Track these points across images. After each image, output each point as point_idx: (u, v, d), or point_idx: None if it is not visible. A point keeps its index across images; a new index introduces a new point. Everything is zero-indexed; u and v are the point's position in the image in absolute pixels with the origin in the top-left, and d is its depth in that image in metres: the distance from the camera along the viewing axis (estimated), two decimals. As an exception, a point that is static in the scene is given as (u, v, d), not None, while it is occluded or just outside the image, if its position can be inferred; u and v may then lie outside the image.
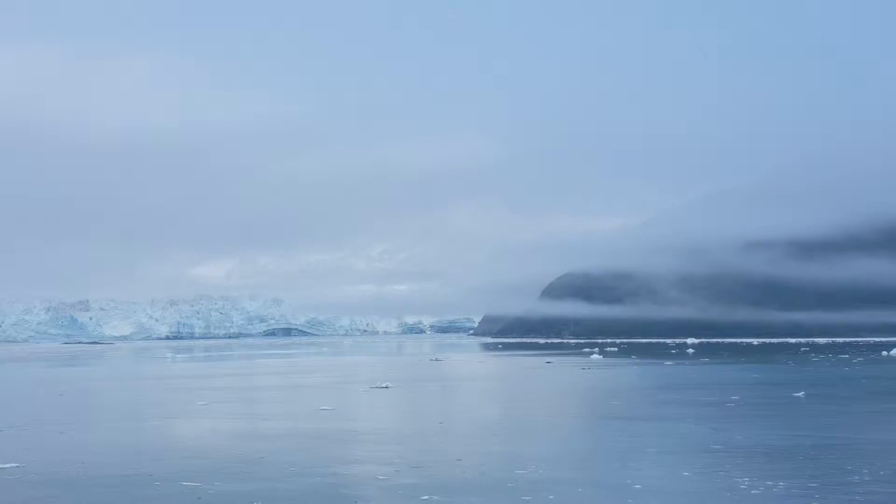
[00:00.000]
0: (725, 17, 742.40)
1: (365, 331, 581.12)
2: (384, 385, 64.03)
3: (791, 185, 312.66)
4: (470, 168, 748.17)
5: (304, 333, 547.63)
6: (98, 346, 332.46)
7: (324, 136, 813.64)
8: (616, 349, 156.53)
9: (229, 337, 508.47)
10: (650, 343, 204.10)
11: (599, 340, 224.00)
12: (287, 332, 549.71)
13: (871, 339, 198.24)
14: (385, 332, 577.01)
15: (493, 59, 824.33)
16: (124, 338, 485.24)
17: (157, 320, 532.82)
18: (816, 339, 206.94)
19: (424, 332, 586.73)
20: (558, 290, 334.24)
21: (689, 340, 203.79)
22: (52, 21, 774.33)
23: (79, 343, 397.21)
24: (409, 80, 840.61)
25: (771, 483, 23.59)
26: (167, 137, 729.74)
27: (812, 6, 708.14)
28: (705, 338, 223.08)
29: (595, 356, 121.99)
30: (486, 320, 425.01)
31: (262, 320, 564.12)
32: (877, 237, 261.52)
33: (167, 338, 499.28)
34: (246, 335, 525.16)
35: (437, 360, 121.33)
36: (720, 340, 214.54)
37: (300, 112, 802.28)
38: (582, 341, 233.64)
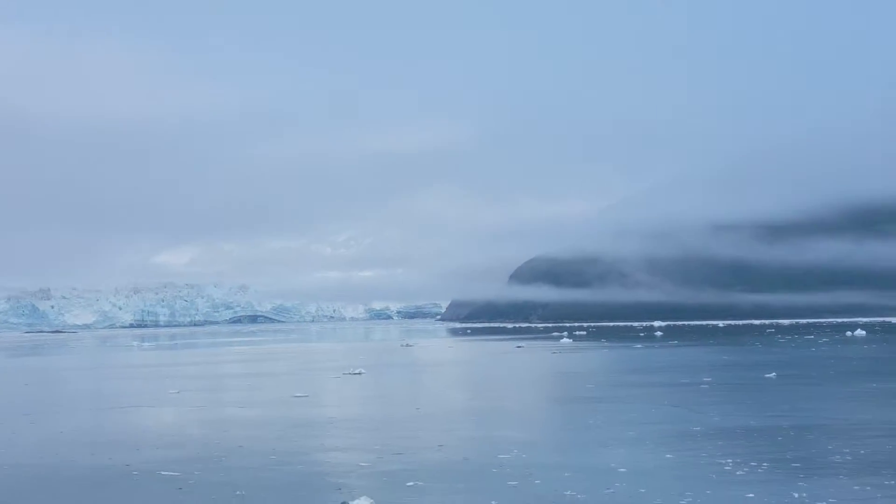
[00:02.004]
0: (696, 5, 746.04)
1: (332, 317, 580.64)
2: (357, 371, 63.72)
3: (757, 169, 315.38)
4: (437, 153, 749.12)
5: (271, 320, 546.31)
6: (61, 335, 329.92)
7: (290, 122, 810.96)
8: (585, 333, 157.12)
9: (194, 324, 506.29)
10: (618, 326, 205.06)
11: (567, 324, 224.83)
12: (253, 319, 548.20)
13: (835, 320, 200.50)
14: (352, 319, 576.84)
15: (461, 43, 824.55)
16: (87, 326, 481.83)
17: (120, 308, 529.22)
18: (781, 321, 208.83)
19: (392, 317, 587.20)
20: (526, 274, 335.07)
21: (657, 323, 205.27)
22: (13, 4, 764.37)
23: (41, 332, 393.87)
24: (377, 66, 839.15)
25: (755, 464, 23.60)
26: (130, 124, 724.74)
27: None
28: (672, 320, 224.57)
29: (565, 340, 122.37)
30: (454, 305, 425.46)
31: (227, 307, 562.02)
32: (840, 220, 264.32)
33: (131, 326, 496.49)
34: (211, 322, 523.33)
35: (407, 345, 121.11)
36: (687, 323, 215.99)
37: (267, 98, 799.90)
38: (550, 325, 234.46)
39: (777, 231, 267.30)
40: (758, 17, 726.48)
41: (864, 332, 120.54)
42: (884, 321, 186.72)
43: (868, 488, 20.42)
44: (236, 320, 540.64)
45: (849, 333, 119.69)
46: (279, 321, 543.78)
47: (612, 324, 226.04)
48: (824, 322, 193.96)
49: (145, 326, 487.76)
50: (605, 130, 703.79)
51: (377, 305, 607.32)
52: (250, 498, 21.41)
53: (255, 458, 27.14)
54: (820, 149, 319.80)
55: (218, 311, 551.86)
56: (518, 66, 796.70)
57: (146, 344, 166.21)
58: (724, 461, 24.21)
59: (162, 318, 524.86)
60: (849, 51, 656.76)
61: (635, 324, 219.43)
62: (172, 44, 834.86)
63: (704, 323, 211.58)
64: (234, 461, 26.78)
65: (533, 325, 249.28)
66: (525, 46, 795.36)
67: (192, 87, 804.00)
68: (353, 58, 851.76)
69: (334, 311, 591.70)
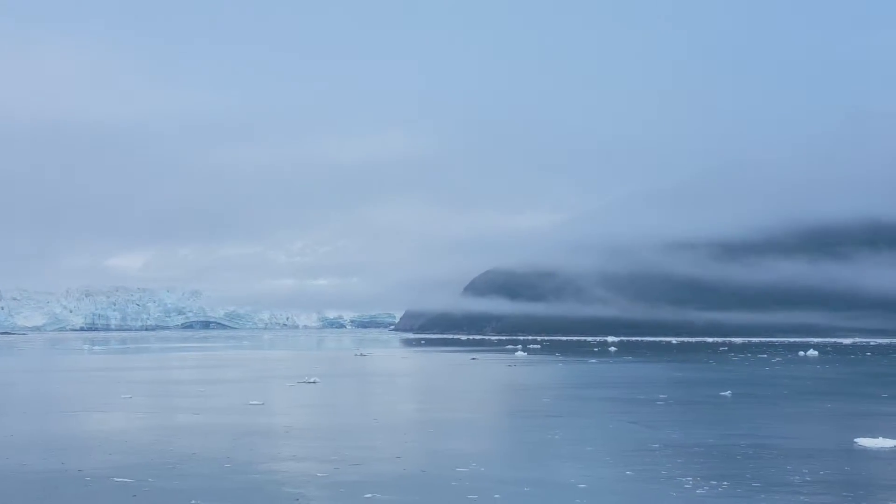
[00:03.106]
0: (655, 21, 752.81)
1: (285, 325, 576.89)
2: (312, 380, 63.18)
3: (713, 188, 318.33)
4: (396, 163, 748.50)
5: (223, 326, 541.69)
6: (10, 337, 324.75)
7: (249, 130, 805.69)
8: (539, 346, 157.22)
9: (146, 329, 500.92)
10: (572, 341, 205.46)
11: (521, 337, 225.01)
12: (205, 324, 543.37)
13: (787, 340, 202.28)
14: (305, 327, 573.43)
15: (422, 55, 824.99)
16: (37, 329, 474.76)
17: (71, 311, 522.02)
18: (734, 339, 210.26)
19: (345, 326, 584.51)
20: (481, 286, 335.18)
21: (611, 338, 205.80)
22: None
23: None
24: (337, 75, 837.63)
25: (715, 483, 23.55)
26: (86, 125, 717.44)
27: (737, 14, 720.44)
28: (627, 336, 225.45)
29: (520, 353, 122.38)
30: (408, 316, 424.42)
31: (179, 312, 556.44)
32: (794, 240, 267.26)
33: (82, 329, 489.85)
34: (163, 327, 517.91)
35: (361, 355, 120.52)
36: (641, 339, 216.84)
37: (228, 105, 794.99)
38: (504, 338, 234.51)
39: (733, 250, 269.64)
40: (716, 37, 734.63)
41: (816, 353, 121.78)
42: (835, 342, 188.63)
43: (828, 509, 20.42)
44: (188, 326, 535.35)
45: (801, 353, 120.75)
46: (232, 328, 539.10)
47: (566, 338, 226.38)
48: (777, 341, 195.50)
49: (96, 330, 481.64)
50: (565, 145, 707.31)
51: (331, 314, 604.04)
52: (206, 507, 20.99)
53: (209, 466, 26.69)
54: (776, 169, 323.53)
55: (170, 316, 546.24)
56: (479, 80, 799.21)
57: (97, 347, 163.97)
58: (683, 479, 24.14)
59: (113, 322, 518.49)
60: (808, 73, 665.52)
61: (590, 338, 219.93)
62: (132, 45, 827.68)
63: (658, 339, 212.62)
64: (188, 468, 26.31)
65: (487, 338, 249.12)
66: (486, 60, 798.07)
67: (153, 91, 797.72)
68: (315, 67, 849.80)
69: (287, 318, 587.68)
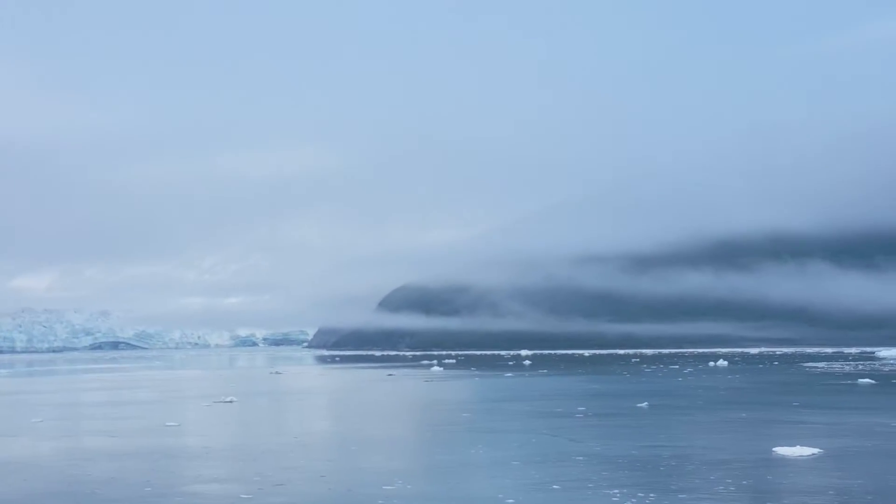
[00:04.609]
0: (559, 33, 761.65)
1: (196, 344, 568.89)
2: (228, 399, 62.24)
3: (622, 201, 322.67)
4: (305, 178, 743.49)
5: (133, 347, 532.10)
6: None
7: (156, 146, 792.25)
8: (454, 361, 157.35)
9: (53, 351, 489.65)
10: (486, 355, 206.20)
11: (436, 353, 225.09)
12: (115, 345, 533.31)
13: (696, 350, 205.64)
14: (217, 345, 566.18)
15: (333, 71, 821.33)
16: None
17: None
18: (645, 350, 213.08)
19: (257, 344, 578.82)
20: (395, 302, 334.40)
21: (524, 352, 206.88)
22: None
23: None
24: (247, 90, 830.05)
25: (642, 495, 23.69)
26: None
27: (646, 27, 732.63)
28: (540, 349, 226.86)
29: (435, 368, 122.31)
30: (321, 333, 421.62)
31: (88, 333, 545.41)
32: (702, 253, 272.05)
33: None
34: (71, 349, 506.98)
35: (277, 373, 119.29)
36: (554, 352, 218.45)
37: (134, 120, 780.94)
38: (419, 353, 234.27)
39: (642, 262, 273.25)
40: (625, 49, 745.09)
41: (725, 363, 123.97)
42: (743, 352, 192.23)
43: (755, 518, 20.66)
44: (97, 347, 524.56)
45: (711, 364, 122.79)
46: (142, 347, 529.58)
47: (480, 352, 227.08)
48: (687, 352, 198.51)
49: (1, 353, 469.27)
50: (475, 160, 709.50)
51: (242, 332, 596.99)
52: (129, 533, 20.42)
53: (129, 490, 26.01)
54: (682, 181, 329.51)
55: (78, 338, 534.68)
56: (388, 95, 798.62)
57: (3, 370, 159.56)
58: (610, 491, 24.24)
59: (19, 344, 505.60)
60: (715, 84, 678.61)
61: (504, 352, 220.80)
62: (35, 61, 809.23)
63: (571, 352, 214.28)
64: (107, 493, 25.62)
65: (402, 353, 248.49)
66: (399, 76, 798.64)
67: (56, 107, 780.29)
68: (225, 81, 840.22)
69: (199, 337, 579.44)
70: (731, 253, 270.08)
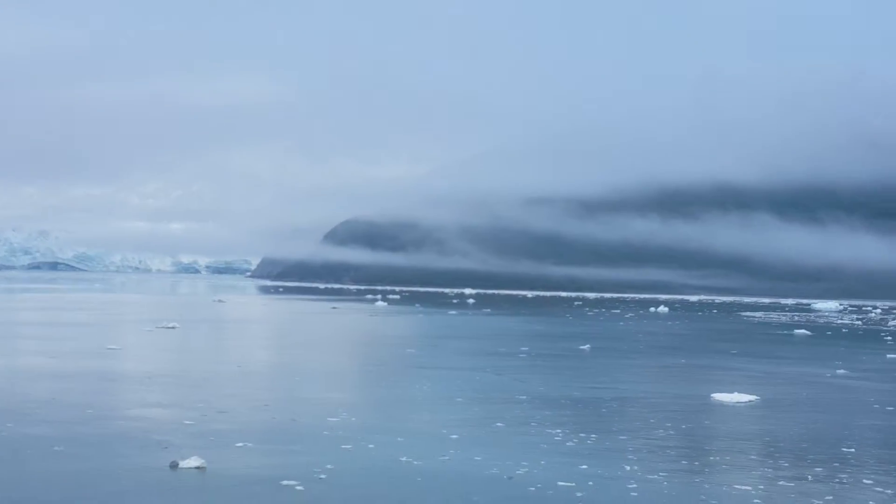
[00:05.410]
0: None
1: (137, 268, 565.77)
2: (171, 325, 61.86)
3: (572, 148, 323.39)
4: (255, 108, 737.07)
5: (73, 268, 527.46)
6: None
7: (102, 67, 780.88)
8: (398, 297, 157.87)
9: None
10: (431, 292, 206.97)
11: (380, 288, 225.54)
12: (54, 266, 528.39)
13: (638, 296, 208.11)
14: (159, 271, 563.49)
15: (288, 1, 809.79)
16: None
17: None
18: (587, 294, 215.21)
19: (200, 271, 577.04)
20: (341, 235, 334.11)
21: (468, 290, 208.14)
22: None
23: None
24: (198, 13, 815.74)
25: (584, 435, 23.95)
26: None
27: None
28: (484, 288, 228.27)
29: (380, 303, 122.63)
30: (265, 263, 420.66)
31: (26, 252, 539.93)
32: (648, 200, 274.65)
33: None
34: (8, 268, 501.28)
35: (220, 301, 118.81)
36: (498, 291, 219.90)
37: (80, 40, 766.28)
38: (363, 288, 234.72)
39: (589, 207, 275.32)
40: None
41: (666, 309, 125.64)
42: (683, 299, 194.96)
43: (696, 463, 21.00)
44: (35, 266, 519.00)
45: (653, 309, 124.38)
46: (81, 270, 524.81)
47: (424, 289, 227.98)
48: (628, 297, 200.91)
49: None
50: (426, 98, 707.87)
51: (185, 259, 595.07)
52: (70, 454, 20.24)
53: (70, 412, 25.78)
54: (632, 130, 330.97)
55: (16, 256, 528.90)
56: (343, 31, 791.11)
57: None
58: (553, 431, 24.48)
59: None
60: (667, 34, 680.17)
61: (448, 290, 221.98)
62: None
63: (515, 293, 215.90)
64: (47, 414, 25.36)
65: (346, 287, 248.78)
66: (351, 12, 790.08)
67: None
68: (175, 4, 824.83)
69: (140, 262, 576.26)
70: (677, 201, 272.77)
